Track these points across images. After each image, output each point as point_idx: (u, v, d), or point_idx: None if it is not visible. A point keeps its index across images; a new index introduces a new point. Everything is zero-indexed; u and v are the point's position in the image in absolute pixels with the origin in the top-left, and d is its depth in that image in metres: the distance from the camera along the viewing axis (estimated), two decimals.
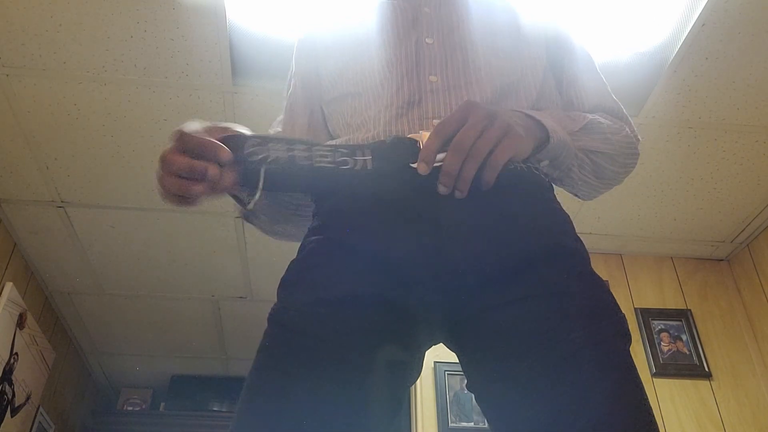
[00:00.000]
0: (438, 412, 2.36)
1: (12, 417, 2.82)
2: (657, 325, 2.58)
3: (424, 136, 0.85)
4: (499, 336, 0.78)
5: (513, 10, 1.09)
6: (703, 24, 1.88)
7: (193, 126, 0.83)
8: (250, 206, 0.84)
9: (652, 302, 2.66)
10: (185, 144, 0.79)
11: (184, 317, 3.32)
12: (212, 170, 0.77)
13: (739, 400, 2.44)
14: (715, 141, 2.25)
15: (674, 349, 2.53)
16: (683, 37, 1.92)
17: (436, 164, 0.81)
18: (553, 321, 0.76)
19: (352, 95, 1.02)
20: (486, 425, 2.38)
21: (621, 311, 0.81)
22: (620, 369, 0.74)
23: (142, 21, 1.91)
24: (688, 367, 2.49)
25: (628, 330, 0.80)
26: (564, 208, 0.93)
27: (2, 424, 2.73)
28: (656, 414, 0.72)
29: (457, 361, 0.87)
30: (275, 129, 1.12)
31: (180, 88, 2.10)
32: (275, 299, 0.86)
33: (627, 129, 1.01)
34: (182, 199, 0.79)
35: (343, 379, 0.75)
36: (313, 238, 0.88)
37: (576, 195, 1.03)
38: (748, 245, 2.70)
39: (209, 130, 0.82)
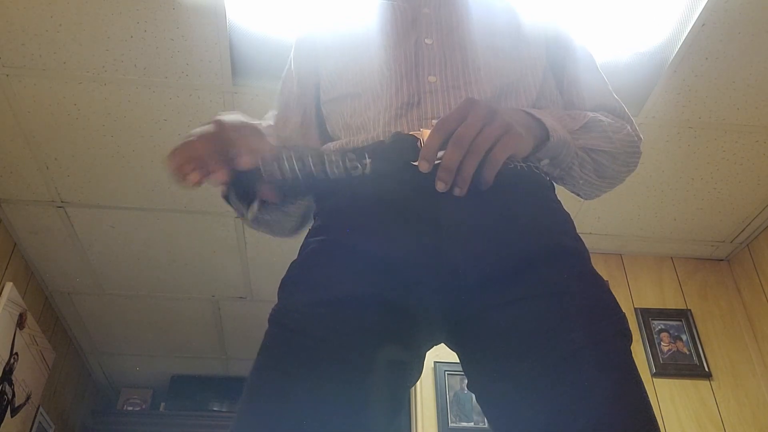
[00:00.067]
0: (438, 412, 2.36)
1: (12, 417, 2.82)
2: (657, 325, 2.58)
3: (424, 134, 0.85)
4: (499, 336, 0.78)
5: (513, 10, 1.08)
6: (703, 24, 1.88)
7: (235, 120, 0.85)
8: (249, 216, 0.85)
9: (652, 302, 2.66)
10: (220, 135, 0.81)
11: (184, 317, 3.32)
12: (219, 176, 0.80)
13: (739, 400, 2.44)
14: (715, 141, 2.25)
15: (674, 349, 2.53)
16: (683, 37, 1.92)
17: (436, 162, 0.81)
18: (554, 321, 0.76)
19: (352, 96, 1.01)
20: (486, 425, 2.39)
21: (621, 310, 0.81)
22: (620, 369, 0.74)
23: (142, 21, 1.91)
24: (688, 367, 2.49)
25: (629, 329, 0.80)
26: (564, 209, 0.93)
27: (2, 424, 2.73)
28: (656, 414, 0.72)
29: (457, 361, 0.87)
30: (267, 123, 1.12)
31: (180, 88, 2.10)
32: (275, 299, 0.86)
33: (628, 128, 1.01)
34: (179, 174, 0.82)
35: (344, 380, 0.75)
36: (314, 238, 0.88)
37: (578, 194, 1.03)
38: (748, 245, 2.70)
39: (242, 130, 0.83)
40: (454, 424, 2.33)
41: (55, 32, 1.93)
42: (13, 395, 2.81)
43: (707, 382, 2.47)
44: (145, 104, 2.15)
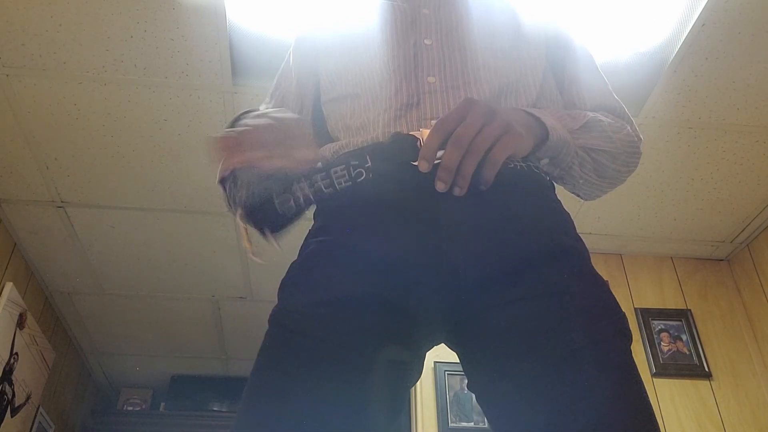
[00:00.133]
0: (438, 412, 2.36)
1: (12, 417, 2.82)
2: (657, 325, 2.58)
3: (424, 134, 0.85)
4: (499, 336, 0.78)
5: (513, 10, 1.08)
6: (703, 24, 1.88)
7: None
8: (269, 241, 0.85)
9: (652, 302, 2.66)
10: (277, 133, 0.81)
11: (184, 317, 3.32)
12: (265, 163, 0.79)
13: (739, 400, 2.44)
14: (715, 141, 2.25)
15: (674, 349, 2.53)
16: (683, 37, 1.92)
17: (436, 161, 0.81)
18: (554, 321, 0.76)
19: (351, 97, 1.01)
20: (486, 425, 2.39)
21: (621, 310, 0.81)
22: (620, 368, 0.74)
23: (142, 21, 1.91)
24: (688, 367, 2.49)
25: (629, 329, 0.80)
26: (565, 207, 0.93)
27: (2, 424, 2.73)
28: (656, 414, 0.72)
29: (457, 361, 0.87)
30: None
31: (180, 88, 2.10)
32: (275, 299, 0.86)
33: (628, 128, 1.01)
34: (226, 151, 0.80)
35: (344, 380, 0.75)
36: (314, 239, 0.88)
37: (577, 195, 1.03)
38: (748, 245, 2.70)
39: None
40: (454, 424, 2.33)
41: (55, 32, 1.93)
42: (13, 395, 2.81)
43: (707, 382, 2.47)
44: (145, 104, 2.15)
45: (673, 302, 2.67)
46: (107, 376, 3.86)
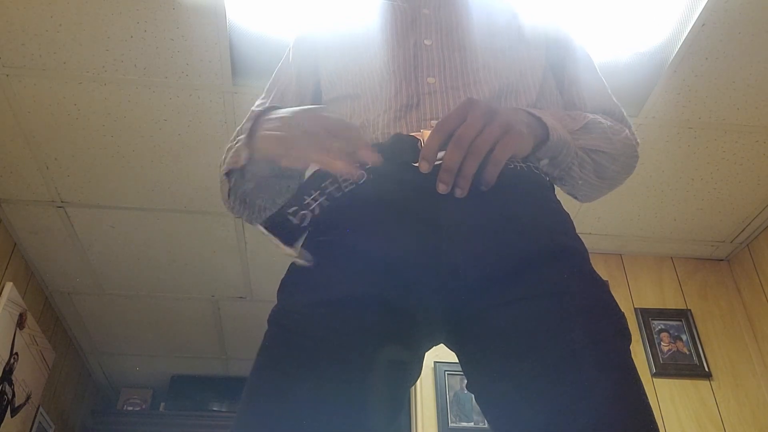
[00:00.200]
0: (438, 412, 2.36)
1: (12, 417, 2.82)
2: (657, 325, 2.58)
3: (425, 135, 0.85)
4: (499, 336, 0.78)
5: (513, 11, 1.09)
6: (703, 24, 1.88)
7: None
8: (288, 253, 0.84)
9: (652, 302, 2.66)
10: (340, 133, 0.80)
11: (184, 317, 3.32)
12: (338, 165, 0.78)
13: (739, 400, 2.44)
14: (715, 141, 2.25)
15: (674, 349, 2.53)
16: (683, 37, 1.92)
17: (437, 162, 0.81)
18: (553, 320, 0.76)
19: (351, 97, 1.01)
20: (486, 425, 2.39)
21: (621, 310, 0.81)
22: (620, 369, 0.74)
23: (142, 21, 1.91)
24: (688, 367, 2.49)
25: (628, 329, 0.80)
26: (565, 208, 0.93)
27: (2, 424, 2.73)
28: (656, 414, 0.72)
29: (458, 360, 0.87)
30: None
31: (180, 88, 2.10)
32: (275, 299, 0.86)
33: (627, 131, 1.01)
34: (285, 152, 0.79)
35: (344, 380, 0.75)
36: (314, 239, 0.88)
37: (574, 196, 1.03)
38: (748, 245, 2.70)
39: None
40: (454, 424, 2.33)
41: (55, 32, 1.93)
42: (13, 395, 2.81)
43: (707, 382, 2.47)
44: (145, 104, 2.15)
45: (673, 302, 2.66)
46: (107, 376, 3.86)
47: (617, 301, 0.82)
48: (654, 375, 2.46)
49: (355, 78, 1.02)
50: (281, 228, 0.82)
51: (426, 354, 0.88)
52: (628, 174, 1.03)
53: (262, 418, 0.73)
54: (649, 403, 0.73)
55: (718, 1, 1.82)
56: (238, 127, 1.06)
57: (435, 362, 2.43)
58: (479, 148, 0.79)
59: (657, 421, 0.72)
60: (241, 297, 3.15)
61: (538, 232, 0.83)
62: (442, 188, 0.81)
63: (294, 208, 0.83)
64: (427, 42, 1.01)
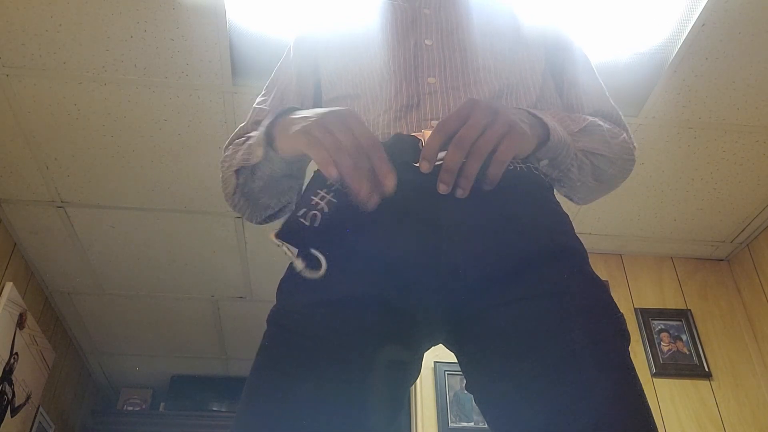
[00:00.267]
0: (438, 412, 2.36)
1: (12, 417, 2.82)
2: (657, 325, 2.58)
3: (425, 135, 0.85)
4: (498, 336, 0.78)
5: (512, 12, 1.09)
6: (703, 24, 1.88)
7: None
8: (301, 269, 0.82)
9: (652, 302, 2.66)
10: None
11: (184, 317, 3.32)
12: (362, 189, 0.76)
13: (739, 400, 2.44)
14: (715, 141, 2.25)
15: (674, 349, 2.53)
16: (683, 37, 1.92)
17: (437, 162, 0.81)
18: (553, 321, 0.76)
19: (351, 97, 1.01)
20: (486, 425, 2.38)
21: (620, 311, 0.81)
22: (620, 369, 0.74)
23: (142, 21, 1.91)
24: (688, 367, 2.49)
25: (627, 330, 0.80)
26: (564, 209, 0.93)
27: (2, 424, 2.73)
28: (656, 414, 0.72)
29: (457, 361, 0.87)
30: (260, 108, 1.10)
31: (180, 88, 2.10)
32: (275, 300, 0.86)
33: (624, 135, 1.01)
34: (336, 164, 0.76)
35: (343, 380, 0.75)
36: (314, 239, 0.88)
37: (571, 198, 1.02)
38: (748, 245, 2.70)
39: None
40: (454, 424, 2.33)
41: (55, 32, 1.93)
42: (13, 395, 2.81)
43: (707, 382, 2.47)
44: (145, 104, 2.15)
45: (673, 302, 2.66)
46: (107, 376, 3.86)
47: (617, 301, 0.82)
48: (654, 375, 2.46)
49: (355, 78, 1.02)
50: (294, 234, 0.82)
51: (426, 354, 0.89)
52: (624, 178, 1.03)
53: (262, 418, 0.73)
54: (648, 403, 0.73)
55: (718, 1, 1.82)
56: (241, 125, 1.06)
57: (435, 362, 2.43)
58: (481, 148, 0.79)
59: (657, 421, 0.72)
60: (240, 297, 3.15)
61: (537, 232, 0.83)
62: (442, 188, 0.81)
63: (303, 210, 0.83)
64: (427, 42, 1.01)
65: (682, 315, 2.61)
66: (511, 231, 0.82)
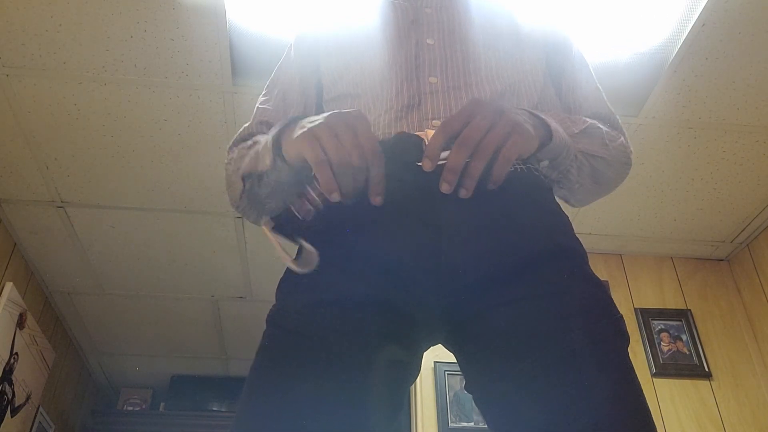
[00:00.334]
0: (438, 412, 2.36)
1: (12, 417, 2.82)
2: (657, 325, 2.58)
3: (428, 134, 0.85)
4: (498, 336, 0.78)
5: (513, 14, 1.09)
6: (703, 24, 1.88)
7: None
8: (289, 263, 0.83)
9: (652, 302, 2.66)
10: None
11: (184, 317, 3.32)
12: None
13: (739, 400, 2.44)
14: (715, 141, 2.25)
15: (674, 349, 2.53)
16: (683, 37, 1.92)
17: (440, 162, 0.81)
18: (553, 321, 0.76)
19: (352, 96, 1.01)
20: (486, 425, 2.38)
21: (619, 311, 0.81)
22: (620, 369, 0.74)
23: (142, 21, 1.91)
24: (688, 367, 2.49)
25: (627, 330, 0.80)
26: (563, 209, 0.93)
27: (2, 424, 2.73)
28: (656, 414, 0.72)
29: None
30: (263, 107, 1.10)
31: (180, 88, 2.10)
32: (275, 300, 0.86)
33: (622, 138, 1.02)
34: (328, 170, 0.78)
35: (343, 380, 0.75)
36: (314, 239, 0.88)
37: (567, 201, 1.02)
38: (748, 245, 2.70)
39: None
40: (454, 424, 2.33)
41: (55, 32, 1.93)
42: (13, 395, 2.81)
43: (707, 382, 2.47)
44: (145, 104, 2.15)
45: (673, 302, 2.66)
46: (107, 376, 3.86)
47: (617, 302, 0.82)
48: (654, 375, 2.46)
49: (356, 77, 1.02)
50: (286, 226, 0.82)
51: (426, 354, 0.89)
52: (621, 181, 1.04)
53: (262, 418, 0.73)
54: (647, 404, 0.73)
55: (718, 1, 1.82)
56: (245, 125, 1.05)
57: (435, 362, 2.43)
58: (486, 148, 0.79)
59: (657, 421, 0.72)
60: (240, 297, 3.15)
61: (537, 233, 0.84)
62: (445, 188, 0.80)
63: (295, 200, 0.82)
64: (429, 41, 1.01)
65: (682, 315, 2.61)
66: (511, 231, 0.82)
